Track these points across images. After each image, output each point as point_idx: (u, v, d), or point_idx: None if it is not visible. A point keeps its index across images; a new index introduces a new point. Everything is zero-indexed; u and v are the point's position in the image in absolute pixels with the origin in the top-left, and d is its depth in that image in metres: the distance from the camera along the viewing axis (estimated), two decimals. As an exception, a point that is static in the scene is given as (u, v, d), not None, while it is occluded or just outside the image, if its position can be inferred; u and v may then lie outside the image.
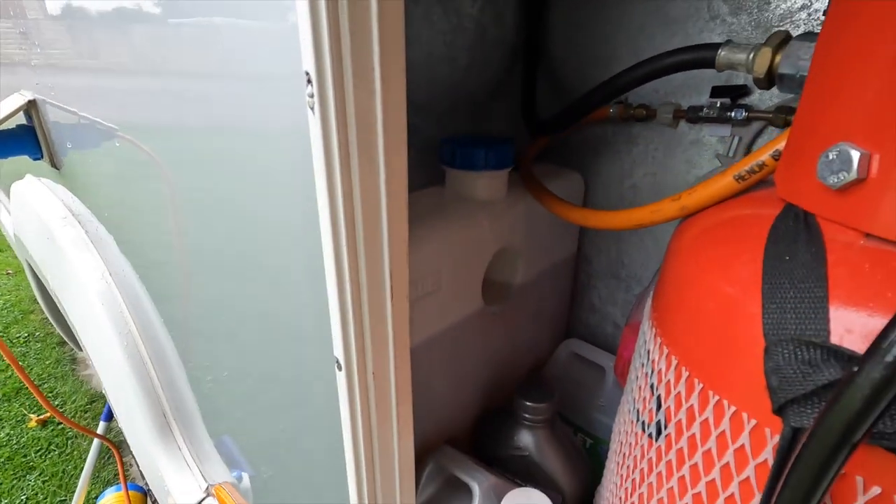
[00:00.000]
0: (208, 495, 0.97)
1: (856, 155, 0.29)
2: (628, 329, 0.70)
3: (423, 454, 0.60)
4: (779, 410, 0.28)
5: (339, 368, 0.40)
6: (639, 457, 0.44)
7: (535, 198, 0.66)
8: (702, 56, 0.48)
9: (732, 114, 0.63)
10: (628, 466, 0.46)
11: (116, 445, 1.23)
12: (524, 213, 0.68)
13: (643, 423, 0.43)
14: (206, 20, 0.45)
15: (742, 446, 0.32)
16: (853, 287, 0.28)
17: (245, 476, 0.84)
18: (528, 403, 0.64)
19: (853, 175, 0.29)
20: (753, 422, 0.31)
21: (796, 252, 0.32)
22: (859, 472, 0.26)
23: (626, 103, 0.73)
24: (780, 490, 0.27)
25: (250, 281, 0.55)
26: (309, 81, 0.31)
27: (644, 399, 0.43)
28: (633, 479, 0.45)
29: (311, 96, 0.31)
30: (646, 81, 0.56)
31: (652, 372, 0.42)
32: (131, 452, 1.31)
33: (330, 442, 0.48)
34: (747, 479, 0.32)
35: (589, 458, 0.74)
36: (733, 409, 0.32)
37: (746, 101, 0.64)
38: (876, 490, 0.26)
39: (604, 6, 0.72)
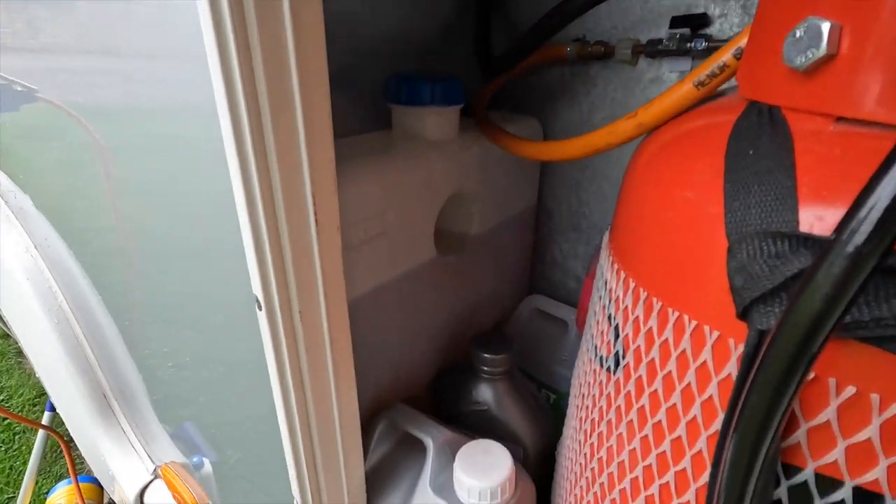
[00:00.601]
0: (157, 477, 0.91)
1: (826, 27, 0.25)
2: (588, 279, 0.67)
3: (377, 413, 0.56)
4: (743, 313, 0.25)
5: (259, 308, 0.35)
6: (597, 395, 0.41)
7: (489, 138, 0.61)
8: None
9: (692, 44, 0.59)
10: (587, 407, 0.43)
11: (63, 436, 1.14)
12: (478, 156, 0.63)
13: (601, 357, 0.40)
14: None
15: (704, 363, 0.29)
16: (824, 173, 0.25)
17: (206, 462, 0.79)
18: (485, 355, 0.61)
19: (822, 51, 0.26)
20: (716, 334, 0.28)
21: (760, 146, 0.28)
22: (831, 374, 0.24)
23: (583, 41, 0.68)
24: (744, 401, 0.24)
25: (188, 261, 0.51)
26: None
27: (602, 333, 0.40)
28: (592, 420, 0.42)
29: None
30: (599, 2, 0.51)
31: (610, 301, 0.39)
32: (78, 441, 1.22)
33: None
34: (710, 398, 0.29)
35: (552, 413, 0.72)
36: (694, 323, 0.29)
37: (707, 31, 0.60)
38: (850, 391, 0.23)
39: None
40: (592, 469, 0.42)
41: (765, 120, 0.29)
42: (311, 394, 0.39)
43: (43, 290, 0.93)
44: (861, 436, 0.23)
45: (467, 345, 0.64)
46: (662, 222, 0.32)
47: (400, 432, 0.56)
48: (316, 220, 0.34)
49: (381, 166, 0.51)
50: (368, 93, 0.65)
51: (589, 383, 0.43)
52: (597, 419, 0.41)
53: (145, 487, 0.88)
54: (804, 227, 0.24)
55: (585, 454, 0.44)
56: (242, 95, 0.27)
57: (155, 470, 0.89)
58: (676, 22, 0.61)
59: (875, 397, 0.22)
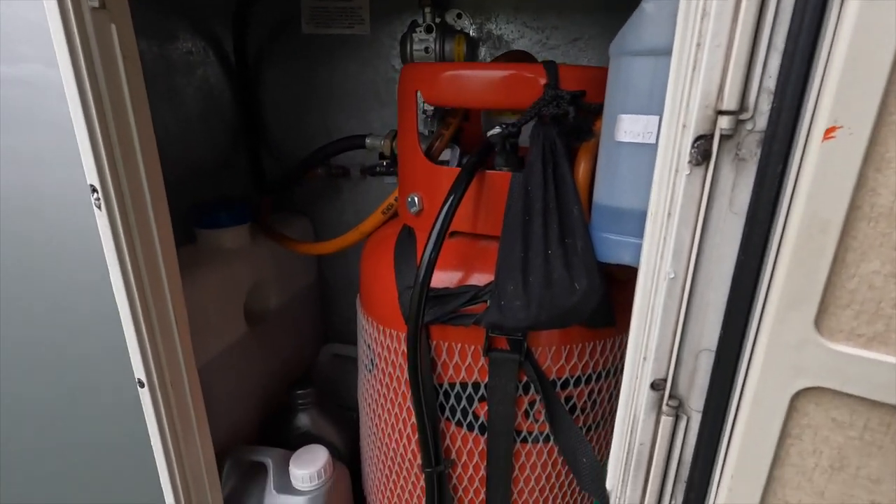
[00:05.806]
0: None
1: (417, 198, 0.62)
2: (363, 322, 0.99)
3: (221, 455, 0.75)
4: (406, 321, 0.58)
5: (142, 386, 0.55)
6: (368, 392, 0.71)
7: (274, 241, 0.88)
8: (358, 142, 0.80)
9: (394, 169, 0.98)
10: (366, 403, 0.73)
11: None
12: (268, 254, 0.89)
13: (365, 366, 0.71)
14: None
15: (398, 348, 0.62)
16: (425, 258, 0.61)
17: None
18: (297, 392, 0.85)
19: (418, 208, 0.62)
20: (402, 334, 0.61)
21: (406, 246, 0.64)
22: (439, 338, 0.59)
23: (329, 165, 1.02)
24: (410, 356, 0.57)
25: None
26: (94, 191, 0.48)
27: (363, 351, 0.71)
28: (369, 409, 0.72)
29: (98, 202, 0.48)
30: (332, 156, 0.85)
31: (366, 333, 0.70)
32: None
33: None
34: (402, 365, 0.62)
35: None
36: (394, 332, 0.62)
37: (400, 160, 1.00)
38: (446, 343, 0.58)
39: (299, 104, 1.00)
40: (375, 433, 0.72)
41: (407, 234, 0.65)
42: (184, 446, 0.59)
43: None
44: (453, 361, 0.59)
45: (284, 392, 0.88)
46: (376, 284, 0.65)
47: (245, 464, 0.76)
48: (177, 326, 0.56)
49: (197, 280, 0.73)
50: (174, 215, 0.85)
51: (364, 388, 0.73)
52: (370, 408, 0.71)
53: None
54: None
55: (371, 426, 0.73)
56: (133, 281, 0.50)
57: None
58: (381, 156, 0.99)
59: (448, 343, 0.58)
